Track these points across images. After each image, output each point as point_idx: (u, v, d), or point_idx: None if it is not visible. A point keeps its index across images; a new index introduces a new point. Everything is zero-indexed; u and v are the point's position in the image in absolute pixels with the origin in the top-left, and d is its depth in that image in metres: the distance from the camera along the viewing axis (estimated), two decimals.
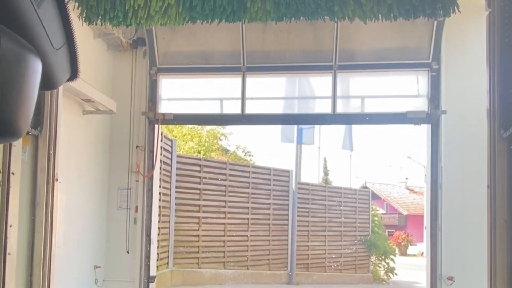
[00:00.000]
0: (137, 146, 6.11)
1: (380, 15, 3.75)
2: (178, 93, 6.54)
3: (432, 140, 5.79)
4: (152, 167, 6.12)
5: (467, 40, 5.56)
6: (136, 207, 6.07)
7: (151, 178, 6.18)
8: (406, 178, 31.61)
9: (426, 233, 6.14)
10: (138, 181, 6.11)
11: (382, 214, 24.75)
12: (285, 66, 6.03)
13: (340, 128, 16.20)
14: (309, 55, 5.99)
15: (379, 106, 6.13)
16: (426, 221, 6.18)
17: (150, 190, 6.16)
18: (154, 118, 6.13)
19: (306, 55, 6.00)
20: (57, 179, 3.47)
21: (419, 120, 5.85)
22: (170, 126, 13.76)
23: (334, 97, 5.90)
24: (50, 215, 3.33)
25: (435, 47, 5.72)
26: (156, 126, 6.18)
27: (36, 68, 0.68)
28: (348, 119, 6.32)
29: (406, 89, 6.15)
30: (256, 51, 6.00)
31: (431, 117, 5.77)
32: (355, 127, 16.02)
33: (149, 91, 6.16)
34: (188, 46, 6.21)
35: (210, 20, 3.76)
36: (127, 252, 5.98)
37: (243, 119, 6.09)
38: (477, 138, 4.86)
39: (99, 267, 5.90)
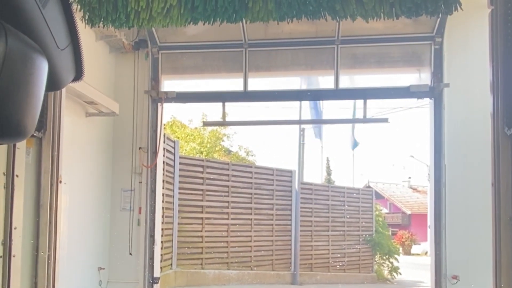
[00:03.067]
0: (140, 148, 6.12)
1: (382, 14, 3.76)
2: (180, 70, 6.55)
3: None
4: (155, 154, 6.11)
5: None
6: (140, 209, 6.08)
7: (154, 179, 6.18)
8: (409, 177, 31.53)
9: (430, 232, 6.12)
10: (141, 182, 6.12)
11: (386, 213, 24.69)
12: (287, 41, 6.01)
13: (346, 128, 16.12)
14: (311, 30, 5.96)
15: (382, 81, 6.15)
16: (430, 220, 6.16)
17: (153, 191, 6.17)
18: (157, 96, 6.15)
19: (309, 31, 5.96)
20: (61, 181, 3.48)
21: (422, 94, 5.84)
22: (173, 128, 13.80)
23: (336, 72, 5.90)
24: (55, 217, 3.34)
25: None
26: (159, 105, 6.20)
27: (42, 67, 0.67)
28: (351, 94, 6.33)
29: (409, 63, 6.12)
30: (257, 28, 5.97)
31: (434, 90, 5.76)
32: (357, 126, 15.96)
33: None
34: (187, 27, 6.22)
35: (212, 21, 3.77)
36: (130, 253, 5.98)
37: (246, 96, 6.13)
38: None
39: (103, 268, 5.91)
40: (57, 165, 3.40)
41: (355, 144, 15.66)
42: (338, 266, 13.11)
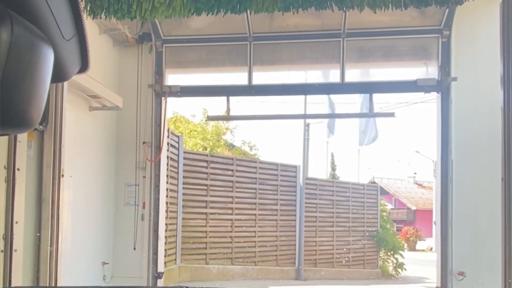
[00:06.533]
0: (144, 142, 6.09)
1: (390, 4, 3.68)
2: (184, 64, 6.50)
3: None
4: (159, 149, 6.08)
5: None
6: (144, 204, 6.06)
7: (158, 174, 6.15)
8: (415, 173, 31.37)
9: (436, 227, 6.06)
10: (145, 177, 6.09)
11: (391, 209, 24.60)
12: (293, 35, 5.93)
13: (350, 123, 15.93)
14: (317, 23, 5.88)
15: (388, 75, 6.08)
16: (436, 216, 6.09)
17: (157, 186, 6.14)
18: (161, 90, 6.10)
19: (314, 24, 5.88)
20: (63, 175, 3.44)
21: (429, 88, 5.76)
22: (176, 123, 13.76)
23: (342, 66, 5.82)
24: (57, 211, 3.30)
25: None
26: (163, 99, 6.15)
27: (48, 56, 0.66)
28: (357, 88, 6.25)
29: (416, 57, 6.03)
30: (262, 21, 5.89)
31: (441, 84, 5.67)
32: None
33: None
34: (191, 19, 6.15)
35: (215, 11, 3.71)
36: (135, 248, 5.96)
37: (250, 90, 6.06)
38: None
39: (107, 263, 5.89)
40: (59, 159, 3.35)
41: (375, 138, 15.25)
42: (342, 262, 13.07)
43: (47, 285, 3.22)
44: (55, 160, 3.34)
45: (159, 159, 6.15)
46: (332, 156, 21.41)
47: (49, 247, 3.19)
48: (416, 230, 25.57)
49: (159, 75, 6.17)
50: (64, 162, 3.42)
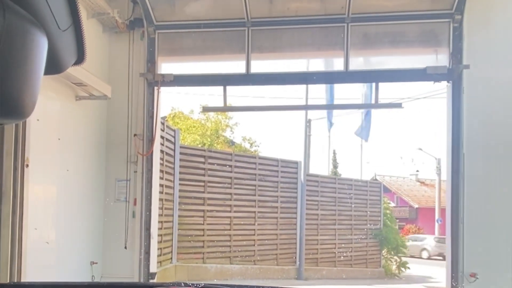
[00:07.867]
0: (135, 135, 5.75)
1: None
2: (178, 52, 6.14)
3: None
4: (151, 142, 5.72)
5: None
6: (135, 200, 5.73)
7: (150, 169, 5.83)
8: (417, 171, 31.04)
9: (446, 226, 5.73)
10: (136, 172, 5.76)
11: (393, 207, 24.28)
12: (293, 20, 5.60)
13: (357, 113, 15.48)
14: (319, 7, 5.54)
15: (396, 63, 5.76)
16: (446, 214, 5.75)
17: (149, 181, 5.82)
18: (153, 79, 5.74)
19: (317, 8, 5.54)
20: (27, 165, 3.06)
21: (439, 76, 5.42)
22: (175, 120, 13.41)
23: (346, 53, 5.47)
24: (20, 206, 2.93)
25: None
26: (156, 88, 5.78)
27: (42, 44, 0.65)
28: (362, 77, 5.88)
29: (425, 43, 5.68)
30: (261, 5, 5.53)
31: (453, 72, 5.34)
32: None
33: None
34: (185, 4, 5.77)
35: None
36: (125, 247, 5.63)
37: (248, 79, 5.71)
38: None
39: (96, 263, 5.59)
40: (22, 146, 2.97)
41: (366, 136, 14.92)
42: (344, 261, 12.75)
43: None
44: (17, 148, 2.95)
45: (152, 153, 5.80)
46: (334, 153, 21.07)
47: (9, 248, 2.82)
48: (418, 228, 25.31)
49: (151, 63, 5.83)
50: (29, 150, 3.04)
